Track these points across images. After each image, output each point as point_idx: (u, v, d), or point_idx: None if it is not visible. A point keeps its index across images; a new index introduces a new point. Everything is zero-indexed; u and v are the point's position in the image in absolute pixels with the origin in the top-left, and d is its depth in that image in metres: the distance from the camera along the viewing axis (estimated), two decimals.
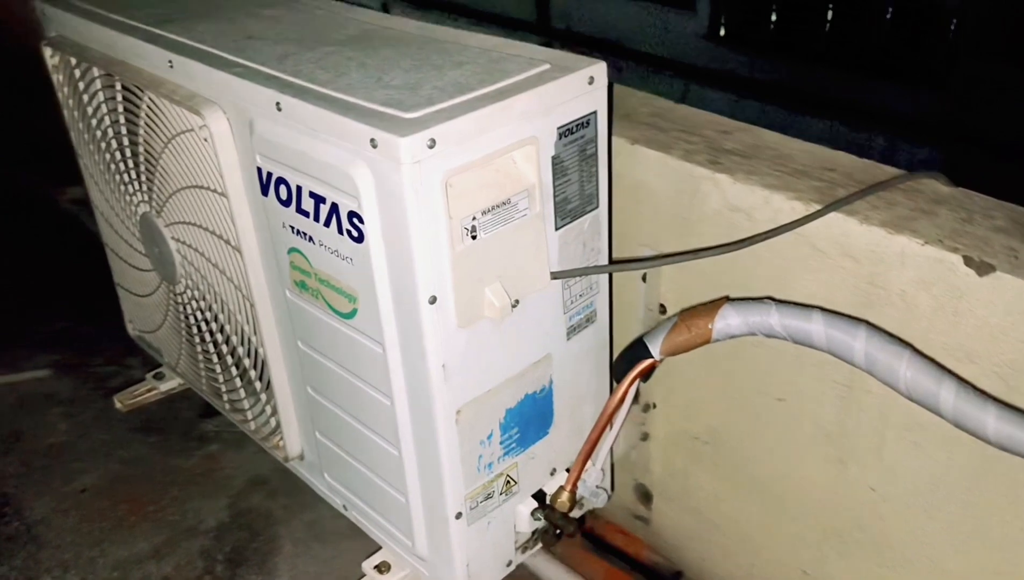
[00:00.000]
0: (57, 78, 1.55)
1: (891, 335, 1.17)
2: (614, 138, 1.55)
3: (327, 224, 1.15)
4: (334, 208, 1.13)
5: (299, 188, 1.17)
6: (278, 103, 1.15)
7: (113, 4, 1.52)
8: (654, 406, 1.69)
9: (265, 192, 1.23)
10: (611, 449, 1.49)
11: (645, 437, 1.71)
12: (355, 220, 1.10)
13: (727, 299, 1.28)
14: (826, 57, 5.30)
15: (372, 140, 1.04)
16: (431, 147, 1.03)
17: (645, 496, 1.81)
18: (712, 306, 1.25)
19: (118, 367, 2.32)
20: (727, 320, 1.24)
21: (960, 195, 1.31)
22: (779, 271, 1.42)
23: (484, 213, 1.11)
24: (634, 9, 6.82)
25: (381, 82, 1.15)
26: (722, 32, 6.75)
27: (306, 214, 1.18)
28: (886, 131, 4.89)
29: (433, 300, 1.10)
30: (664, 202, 1.53)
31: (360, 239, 1.11)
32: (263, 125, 1.19)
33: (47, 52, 1.53)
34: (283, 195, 1.20)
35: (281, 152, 1.17)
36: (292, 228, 1.22)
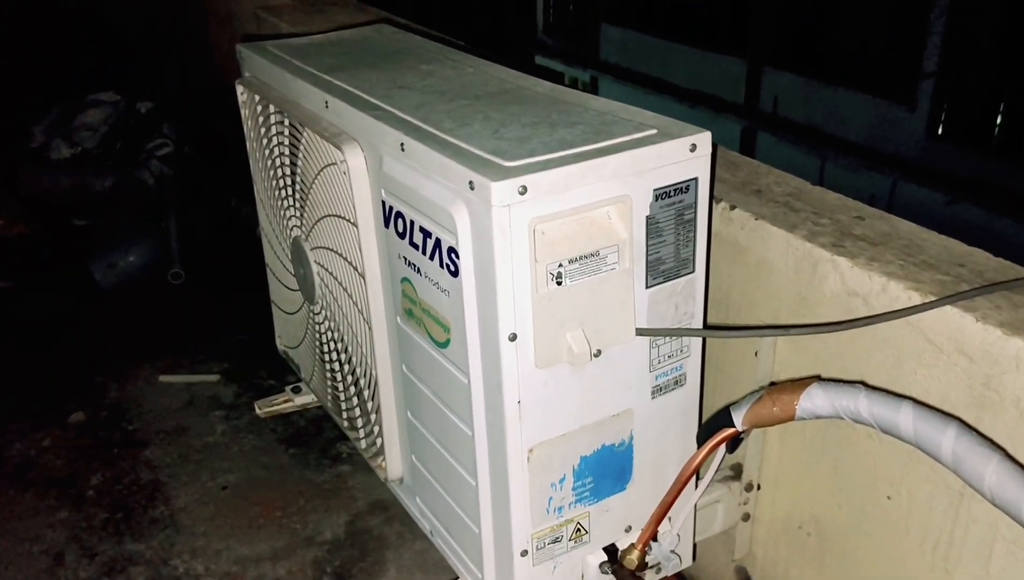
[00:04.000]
0: (244, 112, 1.76)
1: (984, 438, 1.12)
2: (737, 212, 1.56)
3: (431, 257, 1.24)
4: (437, 243, 1.22)
5: (412, 222, 1.27)
6: (402, 144, 1.26)
7: (301, 52, 1.71)
8: (758, 487, 1.66)
9: (387, 224, 1.34)
10: (694, 517, 1.48)
11: (747, 517, 1.67)
12: (452, 255, 1.19)
13: (817, 378, 1.25)
14: None
15: (471, 182, 1.12)
16: (522, 194, 1.10)
17: None
18: (800, 384, 1.23)
19: (276, 381, 2.53)
20: (813, 400, 1.22)
21: None
22: (893, 362, 1.38)
23: (571, 261, 1.16)
24: (847, 98, 6.66)
25: (497, 134, 1.24)
26: (940, 129, 6.46)
27: (416, 247, 1.28)
28: None
29: (513, 337, 1.16)
30: (784, 280, 1.53)
31: (456, 273, 1.19)
32: (389, 163, 1.30)
33: (239, 89, 1.74)
34: (400, 228, 1.31)
35: (401, 188, 1.28)
36: (405, 259, 1.32)
